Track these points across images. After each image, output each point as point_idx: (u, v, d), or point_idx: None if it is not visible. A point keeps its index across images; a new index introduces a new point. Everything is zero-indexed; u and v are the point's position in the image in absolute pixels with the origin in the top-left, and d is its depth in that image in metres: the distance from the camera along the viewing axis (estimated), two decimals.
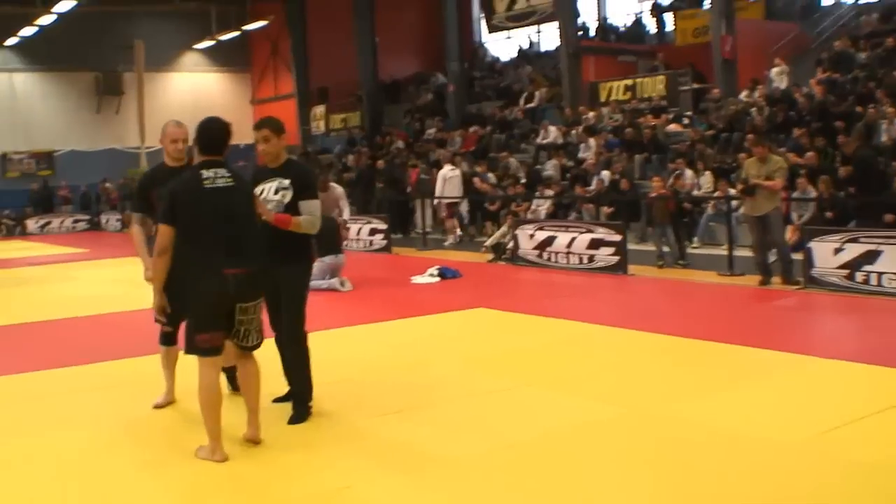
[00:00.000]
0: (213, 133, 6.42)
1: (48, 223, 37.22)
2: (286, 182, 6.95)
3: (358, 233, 21.93)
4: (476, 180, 24.19)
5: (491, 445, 6.37)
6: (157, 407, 7.69)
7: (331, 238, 14.28)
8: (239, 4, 40.66)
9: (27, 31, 36.78)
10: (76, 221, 37.94)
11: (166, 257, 6.24)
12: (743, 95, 23.41)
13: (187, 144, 7.53)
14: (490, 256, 18.68)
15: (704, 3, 29.17)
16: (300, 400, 7.13)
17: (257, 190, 6.91)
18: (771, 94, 22.67)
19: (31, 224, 36.85)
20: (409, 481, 5.74)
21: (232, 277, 6.13)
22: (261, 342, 6.51)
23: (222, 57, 43.33)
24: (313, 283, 14.55)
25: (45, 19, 34.76)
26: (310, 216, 6.94)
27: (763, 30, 27.72)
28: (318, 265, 14.29)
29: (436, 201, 23.99)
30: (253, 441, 6.43)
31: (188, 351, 6.29)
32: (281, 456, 6.26)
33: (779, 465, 5.81)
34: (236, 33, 39.48)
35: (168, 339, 7.70)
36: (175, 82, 42.41)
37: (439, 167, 24.90)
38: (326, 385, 7.35)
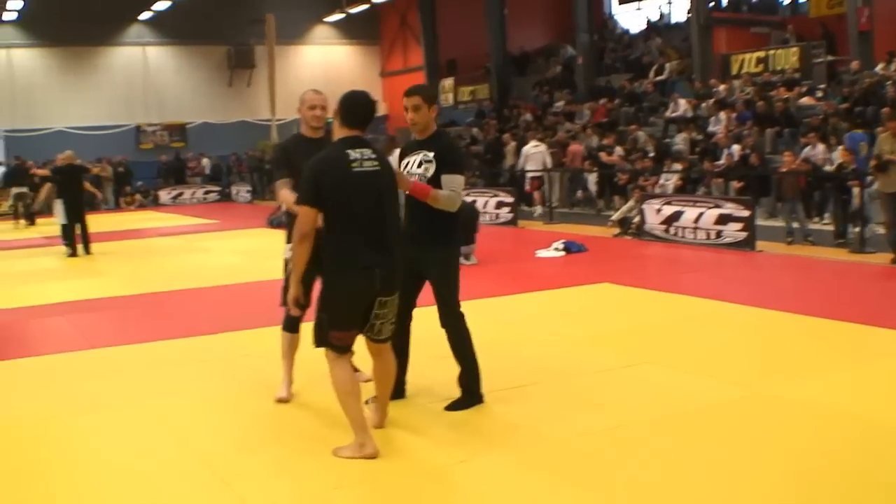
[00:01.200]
0: (359, 106, 5.93)
1: (180, 194, 37.97)
2: (430, 155, 6.61)
3: (484, 206, 21.95)
4: (602, 154, 24.09)
5: (606, 425, 6.35)
6: (281, 401, 7.23)
7: (470, 226, 14.24)
8: None
9: (160, 6, 37.55)
10: (207, 193, 38.59)
11: (308, 244, 5.74)
12: (879, 68, 22.81)
13: (326, 113, 7.24)
14: (616, 231, 18.57)
15: None
16: (464, 387, 6.90)
17: (403, 163, 6.71)
18: None
19: (164, 195, 37.61)
20: (523, 458, 5.76)
21: (378, 273, 5.74)
22: (393, 333, 6.14)
23: (352, 30, 43.64)
24: None
25: None
26: (450, 192, 6.54)
27: None
28: None
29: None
30: (377, 426, 6.23)
31: (319, 344, 5.88)
32: (397, 432, 6.29)
33: None
34: (366, 6, 39.69)
35: (293, 326, 7.30)
36: (305, 55, 42.86)
37: (562, 142, 24.88)
38: (442, 359, 7.21)
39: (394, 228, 5.95)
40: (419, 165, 6.59)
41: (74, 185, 18.64)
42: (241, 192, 37.09)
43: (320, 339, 5.85)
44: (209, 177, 39.48)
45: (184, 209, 33.93)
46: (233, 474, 5.66)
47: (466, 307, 6.89)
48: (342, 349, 5.86)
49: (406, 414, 6.69)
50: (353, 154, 5.75)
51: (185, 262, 17.17)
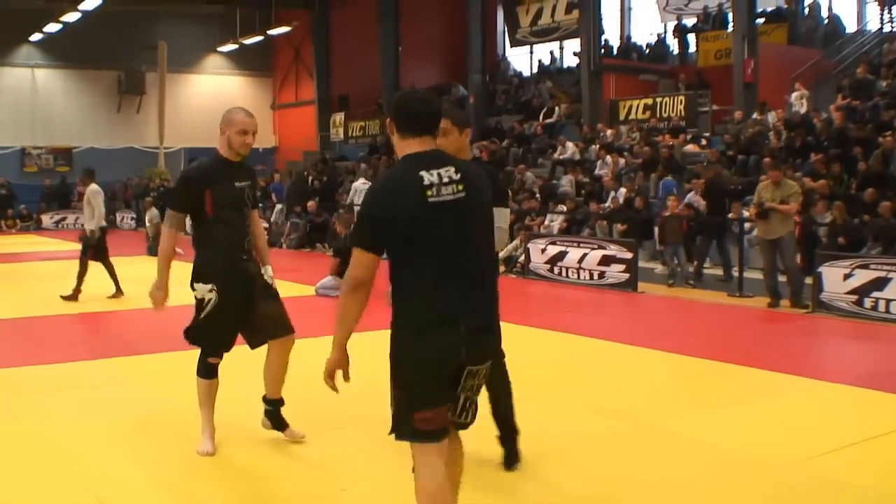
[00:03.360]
0: (420, 106, 4.25)
1: (63, 219, 37.30)
2: None
3: None
4: None
5: (485, 458, 6.38)
6: (206, 455, 6.31)
7: (345, 260, 14.23)
8: (263, 9, 40.56)
9: (52, 28, 36.84)
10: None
11: (361, 293, 4.24)
12: (754, 116, 23.42)
13: (254, 140, 6.35)
14: (501, 269, 18.69)
15: (728, 25, 29.12)
16: (514, 433, 6.36)
17: None
18: (790, 119, 22.65)
19: (47, 219, 37.01)
20: (403, 488, 5.74)
21: (463, 330, 4.13)
22: (474, 419, 4.44)
23: (245, 61, 43.40)
24: (321, 291, 14.61)
25: (71, 16, 34.84)
26: (499, 226, 5.40)
27: (785, 55, 27.68)
28: (335, 281, 14.30)
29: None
30: None
31: (400, 436, 4.22)
32: (294, 463, 6.20)
33: (774, 485, 5.84)
34: (260, 38, 39.49)
35: (210, 371, 6.39)
36: (197, 84, 42.52)
37: None
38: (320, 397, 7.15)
39: (489, 273, 4.47)
40: None
41: None
42: (126, 219, 36.54)
43: (401, 428, 4.21)
44: None
45: (67, 234, 33.23)
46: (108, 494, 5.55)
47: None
48: (431, 435, 4.18)
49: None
50: (429, 178, 4.11)
51: (65, 287, 16.78)
